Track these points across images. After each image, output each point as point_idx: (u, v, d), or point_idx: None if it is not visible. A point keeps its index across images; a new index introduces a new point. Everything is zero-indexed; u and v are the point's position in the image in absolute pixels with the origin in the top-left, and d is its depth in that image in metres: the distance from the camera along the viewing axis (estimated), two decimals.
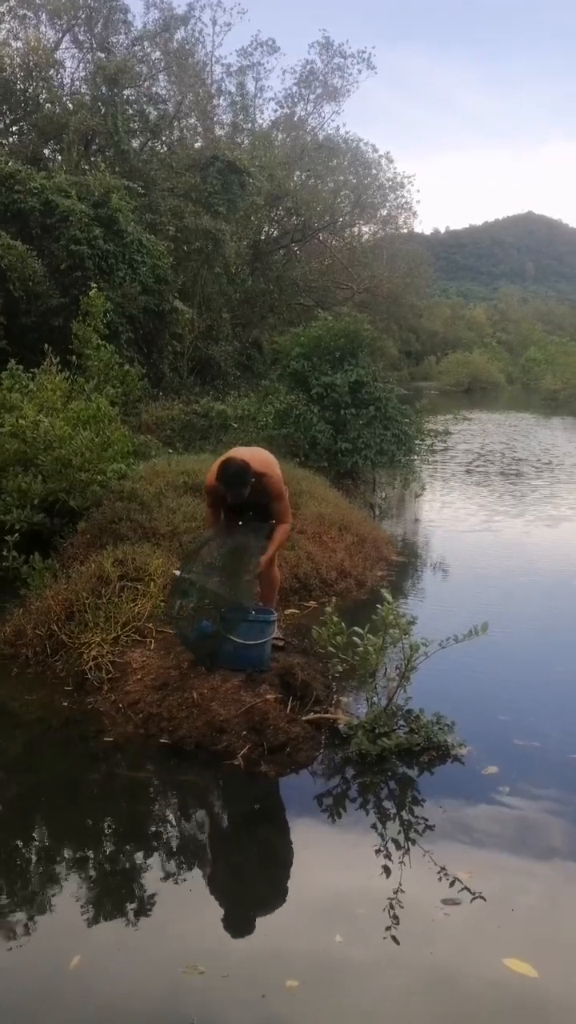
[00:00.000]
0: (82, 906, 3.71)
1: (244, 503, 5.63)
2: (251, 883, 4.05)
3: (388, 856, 4.04)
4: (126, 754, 5.00)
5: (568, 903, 3.79)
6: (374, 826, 4.32)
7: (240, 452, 5.67)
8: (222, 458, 5.53)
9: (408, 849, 4.10)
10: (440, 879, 3.82)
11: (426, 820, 4.35)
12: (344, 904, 3.71)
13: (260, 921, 3.66)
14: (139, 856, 4.14)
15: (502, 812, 4.45)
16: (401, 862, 3.99)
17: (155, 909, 3.70)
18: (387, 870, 3.93)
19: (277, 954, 3.41)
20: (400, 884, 3.80)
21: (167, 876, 3.95)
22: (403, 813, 4.44)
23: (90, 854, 4.17)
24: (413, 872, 3.90)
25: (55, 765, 5.08)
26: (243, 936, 3.56)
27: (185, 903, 3.76)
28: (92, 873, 3.99)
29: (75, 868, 4.02)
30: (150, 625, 6.13)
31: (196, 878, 4.00)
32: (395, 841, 4.17)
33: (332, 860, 4.14)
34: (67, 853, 4.19)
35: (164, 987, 3.19)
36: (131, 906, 3.72)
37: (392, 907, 3.64)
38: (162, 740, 5.03)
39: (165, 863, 4.07)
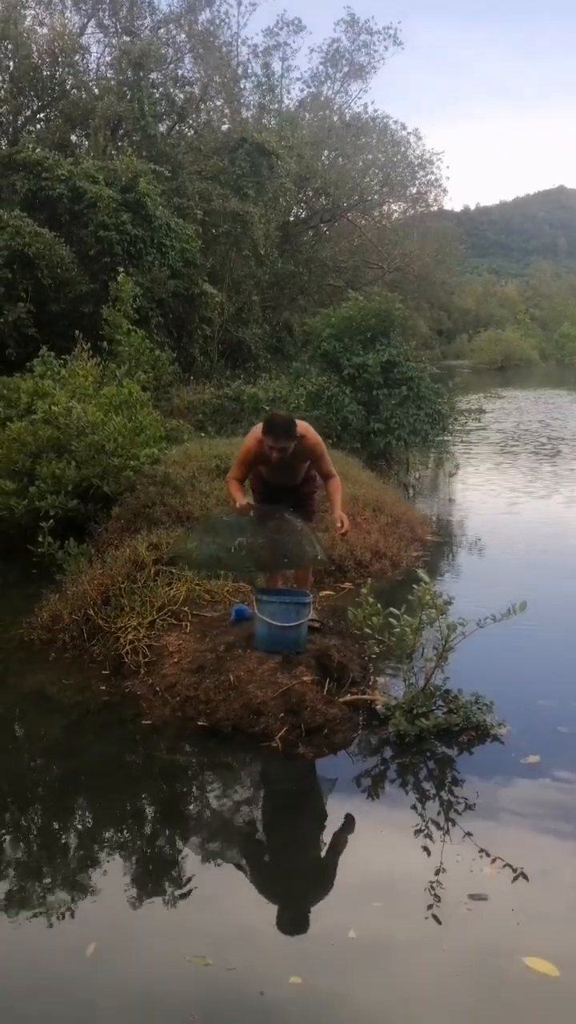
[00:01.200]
0: (108, 891, 3.70)
1: (281, 483, 5.61)
2: (281, 869, 4.03)
3: (427, 838, 4.00)
4: (164, 737, 5.02)
5: None
6: (413, 807, 4.29)
7: None
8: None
9: (447, 831, 4.05)
10: (471, 872, 3.71)
11: (466, 800, 4.31)
12: (368, 894, 3.64)
13: (281, 910, 3.59)
14: (172, 841, 4.16)
15: (542, 795, 4.38)
16: (442, 842, 3.95)
17: (179, 895, 3.67)
18: (422, 855, 3.87)
19: (289, 947, 3.35)
20: (431, 872, 3.71)
21: (198, 861, 3.94)
22: (442, 794, 4.41)
23: (126, 838, 4.19)
24: (448, 858, 3.82)
25: (93, 748, 5.10)
26: (260, 925, 3.48)
27: (211, 890, 3.73)
28: (124, 858, 3.99)
29: (109, 852, 4.03)
30: (185, 609, 6.14)
31: (227, 863, 3.98)
32: (434, 822, 4.13)
33: (366, 844, 4.09)
34: (103, 837, 4.19)
35: (170, 979, 3.14)
36: (156, 892, 3.70)
37: (415, 899, 3.53)
38: (199, 723, 5.04)
39: (198, 847, 4.07)
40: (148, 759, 4.93)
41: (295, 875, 3.96)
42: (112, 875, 3.82)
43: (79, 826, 4.35)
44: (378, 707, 5.09)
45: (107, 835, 4.21)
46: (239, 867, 3.96)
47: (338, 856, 4.02)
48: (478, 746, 4.84)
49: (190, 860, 3.95)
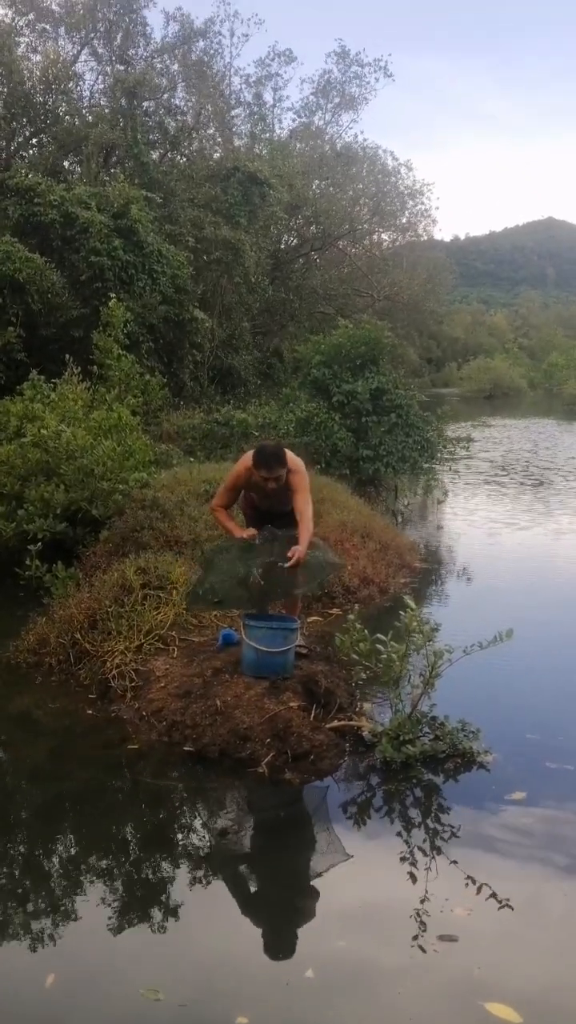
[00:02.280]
0: (77, 919, 3.66)
1: (273, 509, 5.61)
2: (258, 900, 3.97)
3: (408, 872, 3.96)
4: (150, 762, 5.00)
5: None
6: (399, 834, 4.28)
7: None
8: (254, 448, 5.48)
9: (429, 864, 4.01)
10: (441, 912, 3.61)
11: (451, 830, 4.30)
12: (337, 929, 3.57)
13: (246, 944, 3.52)
14: (150, 868, 4.12)
15: (525, 833, 4.32)
16: (424, 875, 3.92)
17: (149, 925, 3.62)
18: (399, 890, 3.81)
19: (244, 984, 3.27)
20: (404, 909, 3.63)
21: (175, 890, 3.88)
22: (428, 822, 4.40)
23: (104, 865, 4.14)
24: (423, 894, 3.75)
25: (79, 773, 5.08)
26: (222, 959, 3.42)
27: (183, 920, 3.67)
28: (100, 885, 3.93)
29: (85, 879, 3.99)
30: (173, 633, 6.14)
31: (203, 893, 3.90)
32: (417, 854, 4.09)
33: (346, 876, 3.99)
34: (82, 863, 4.17)
35: (119, 1012, 3.09)
36: (126, 921, 3.65)
37: (383, 937, 3.49)
38: (186, 748, 5.03)
39: (176, 876, 4.01)
40: (133, 784, 4.90)
41: (270, 907, 3.90)
42: (86, 903, 3.78)
43: (59, 852, 4.31)
44: (365, 733, 5.08)
45: (86, 862, 4.18)
46: (216, 897, 3.90)
47: (316, 888, 3.96)
48: (464, 773, 4.83)
49: (166, 889, 3.90)
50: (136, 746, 5.14)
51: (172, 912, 3.70)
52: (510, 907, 3.63)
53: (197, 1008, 3.12)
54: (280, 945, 3.52)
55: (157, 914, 3.69)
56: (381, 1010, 3.14)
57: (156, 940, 3.52)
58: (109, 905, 3.75)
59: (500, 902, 3.67)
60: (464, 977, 3.26)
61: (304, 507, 5.42)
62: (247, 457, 5.45)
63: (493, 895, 3.72)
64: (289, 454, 5.44)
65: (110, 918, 3.66)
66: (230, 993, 3.21)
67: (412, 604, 5.19)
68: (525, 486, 16.37)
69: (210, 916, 3.72)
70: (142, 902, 3.79)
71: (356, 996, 3.19)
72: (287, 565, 5.15)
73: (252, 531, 5.51)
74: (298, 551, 5.14)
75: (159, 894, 3.85)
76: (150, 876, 4.05)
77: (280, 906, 3.90)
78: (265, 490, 5.42)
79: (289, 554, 5.15)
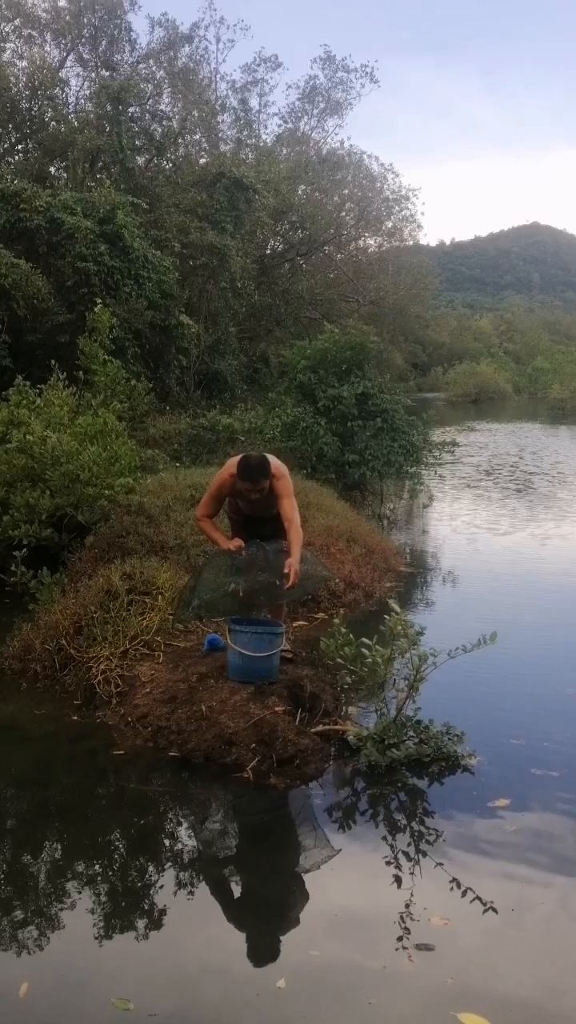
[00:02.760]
0: (55, 927, 3.64)
1: (258, 514, 5.62)
2: (239, 908, 3.94)
3: (391, 878, 3.95)
4: (135, 768, 5.00)
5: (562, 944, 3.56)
6: (384, 838, 4.29)
7: None
8: (239, 456, 5.49)
9: (413, 870, 4.00)
10: (417, 922, 3.57)
11: (436, 834, 4.30)
12: (313, 937, 3.53)
13: (221, 953, 3.50)
14: (132, 876, 4.10)
15: (507, 840, 4.29)
16: (407, 882, 3.91)
17: (127, 934, 3.59)
18: (379, 897, 3.78)
19: (215, 993, 3.24)
20: (384, 916, 3.60)
21: (156, 897, 3.86)
22: (413, 825, 4.41)
23: (87, 872, 4.12)
24: (404, 901, 3.71)
25: (64, 779, 5.08)
26: (195, 968, 3.39)
27: (162, 927, 3.64)
28: (81, 893, 3.89)
29: (67, 887, 3.95)
30: (158, 639, 6.14)
31: (184, 900, 3.86)
32: (401, 860, 4.08)
33: (328, 882, 3.97)
34: (64, 871, 4.14)
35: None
36: (104, 929, 3.62)
37: (359, 946, 3.44)
38: (171, 753, 5.03)
39: (158, 883, 3.98)
40: (118, 790, 4.90)
41: (250, 914, 3.88)
42: (67, 911, 3.76)
43: (42, 858, 4.29)
44: (350, 737, 5.09)
45: (69, 869, 4.16)
46: (195, 905, 3.86)
47: (296, 895, 3.95)
48: (448, 777, 4.84)
49: (147, 897, 3.89)
50: (121, 752, 5.14)
51: (152, 921, 3.69)
52: (494, 910, 3.64)
53: (167, 1018, 3.09)
54: (255, 954, 3.49)
55: (137, 922, 3.68)
56: (351, 1021, 3.09)
57: (134, 949, 3.51)
58: (89, 913, 3.74)
59: (485, 904, 3.68)
60: (438, 987, 3.22)
61: (291, 513, 5.43)
62: (231, 464, 5.45)
63: (477, 899, 3.72)
64: (272, 460, 5.45)
65: (91, 926, 3.64)
66: (202, 1003, 3.19)
67: (397, 608, 5.21)
68: (511, 490, 16.41)
69: (189, 925, 3.71)
70: (123, 910, 3.79)
71: (327, 1007, 3.15)
72: (287, 586, 5.15)
73: (238, 542, 5.51)
74: (293, 566, 5.15)
75: (139, 902, 3.85)
76: (132, 884, 4.04)
77: (259, 914, 3.88)
78: (249, 498, 5.44)
79: (286, 570, 5.15)
